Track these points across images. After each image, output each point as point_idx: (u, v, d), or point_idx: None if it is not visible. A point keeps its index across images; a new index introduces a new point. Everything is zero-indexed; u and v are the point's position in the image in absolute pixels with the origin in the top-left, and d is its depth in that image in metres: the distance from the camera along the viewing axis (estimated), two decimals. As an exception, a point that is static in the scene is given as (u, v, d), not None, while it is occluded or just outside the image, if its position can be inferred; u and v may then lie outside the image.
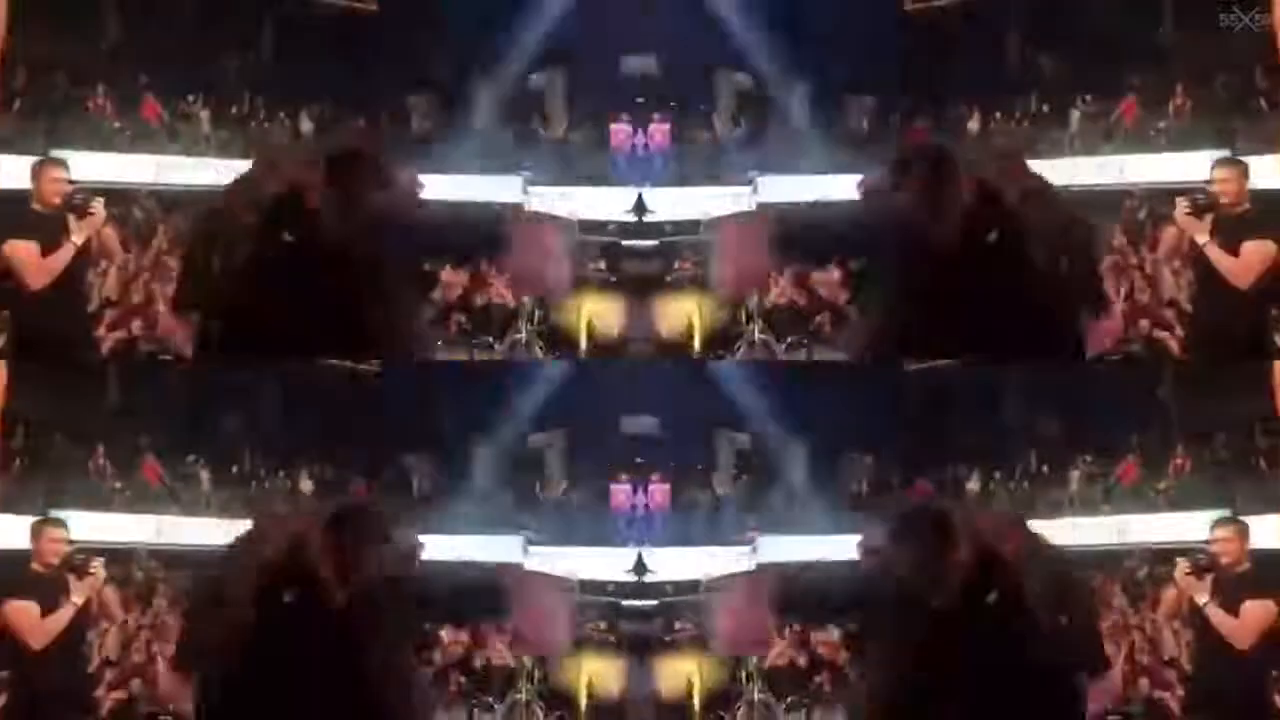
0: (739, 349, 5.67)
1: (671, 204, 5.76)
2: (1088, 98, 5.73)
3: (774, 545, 5.54)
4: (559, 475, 5.68)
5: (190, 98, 5.76)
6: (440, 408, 5.64)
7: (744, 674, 5.51)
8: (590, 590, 5.55)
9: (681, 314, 5.69)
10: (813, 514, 5.57)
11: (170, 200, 5.66)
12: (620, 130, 5.79)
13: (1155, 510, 5.56)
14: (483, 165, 5.75)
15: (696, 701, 5.48)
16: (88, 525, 5.50)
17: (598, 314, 5.69)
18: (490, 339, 5.67)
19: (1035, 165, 5.54)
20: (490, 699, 5.52)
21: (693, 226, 5.74)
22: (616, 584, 5.54)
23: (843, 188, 5.61)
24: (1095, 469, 5.61)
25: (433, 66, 5.81)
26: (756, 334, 5.69)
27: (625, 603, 5.52)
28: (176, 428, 5.63)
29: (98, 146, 5.68)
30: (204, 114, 5.76)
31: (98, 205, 5.56)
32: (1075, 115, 5.73)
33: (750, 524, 5.58)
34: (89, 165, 5.64)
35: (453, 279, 5.68)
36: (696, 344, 5.65)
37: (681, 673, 5.51)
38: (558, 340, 5.67)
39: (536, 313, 5.70)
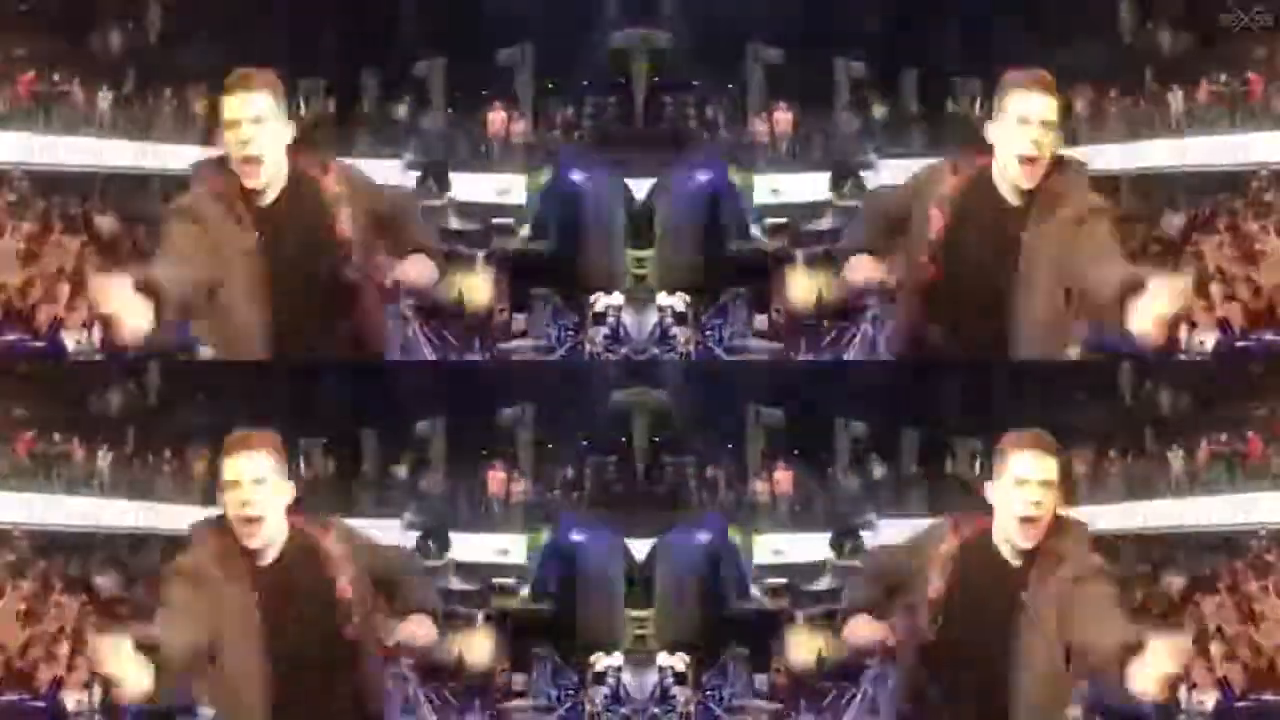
0: (862, 323, 5.79)
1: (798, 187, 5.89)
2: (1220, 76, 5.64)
3: (891, 528, 5.70)
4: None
5: (68, 74, 5.59)
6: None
7: (869, 650, 5.69)
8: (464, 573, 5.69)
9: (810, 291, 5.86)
10: (926, 499, 5.70)
11: (46, 182, 5.56)
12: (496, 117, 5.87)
13: (1280, 489, 5.52)
14: (368, 149, 5.75)
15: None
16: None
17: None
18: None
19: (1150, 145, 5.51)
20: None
21: (818, 209, 5.86)
22: (489, 565, 5.69)
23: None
24: (1219, 447, 5.59)
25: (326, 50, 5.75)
26: (872, 312, 5.79)
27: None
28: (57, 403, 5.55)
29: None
30: (88, 92, 5.61)
31: None
32: (1195, 92, 5.65)
33: (868, 509, 5.74)
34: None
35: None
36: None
37: (811, 647, 5.75)
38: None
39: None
